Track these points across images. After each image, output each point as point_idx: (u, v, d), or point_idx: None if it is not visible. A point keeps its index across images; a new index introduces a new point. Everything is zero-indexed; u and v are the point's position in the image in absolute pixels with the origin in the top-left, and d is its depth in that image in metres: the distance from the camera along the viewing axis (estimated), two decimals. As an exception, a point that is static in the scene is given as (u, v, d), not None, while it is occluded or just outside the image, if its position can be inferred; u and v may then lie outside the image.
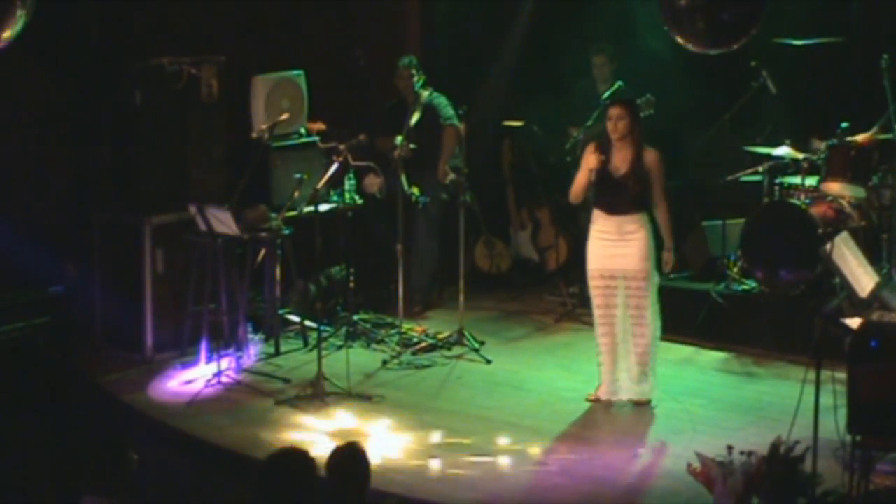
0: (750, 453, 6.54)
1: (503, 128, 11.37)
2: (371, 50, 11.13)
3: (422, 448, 7.82)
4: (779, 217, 9.45)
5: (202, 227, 9.05)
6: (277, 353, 9.55)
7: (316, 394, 8.56)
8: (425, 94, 10.25)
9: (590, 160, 8.32)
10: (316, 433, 8.01)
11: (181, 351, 9.39)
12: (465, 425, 8.15)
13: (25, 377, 8.73)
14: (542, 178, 11.09)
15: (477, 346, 9.55)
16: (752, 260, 9.63)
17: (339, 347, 9.54)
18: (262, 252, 9.59)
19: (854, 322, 7.02)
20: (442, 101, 10.28)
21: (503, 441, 7.88)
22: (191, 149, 9.65)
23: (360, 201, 10.12)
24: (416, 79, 10.24)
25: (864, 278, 7.34)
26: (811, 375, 6.68)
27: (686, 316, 9.73)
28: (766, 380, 8.97)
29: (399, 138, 9.98)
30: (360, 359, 9.30)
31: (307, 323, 9.75)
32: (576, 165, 8.71)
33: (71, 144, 9.85)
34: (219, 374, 8.87)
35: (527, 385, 8.94)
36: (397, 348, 9.51)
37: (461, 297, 9.73)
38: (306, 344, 9.70)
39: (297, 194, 9.28)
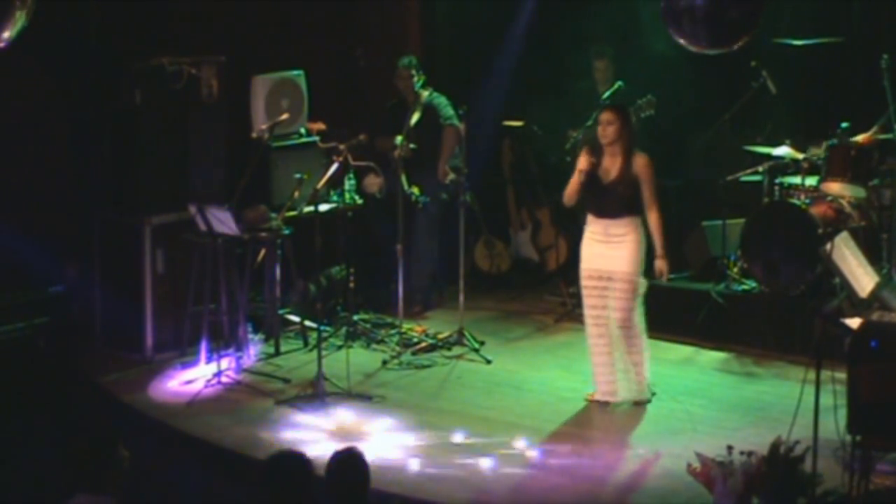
0: (750, 453, 6.55)
1: (503, 128, 11.36)
2: (371, 50, 11.14)
3: (422, 448, 7.81)
4: (779, 217, 9.46)
5: (202, 227, 9.05)
6: (277, 353, 9.54)
7: (316, 394, 8.56)
8: (425, 94, 10.26)
9: (580, 162, 8.36)
10: (316, 433, 8.01)
11: (181, 351, 9.39)
12: (465, 425, 8.15)
13: (25, 377, 8.73)
14: (542, 178, 11.09)
15: (477, 346, 9.55)
16: (752, 260, 9.63)
17: (339, 347, 9.53)
18: (262, 252, 9.59)
19: (854, 322, 7.03)
20: (442, 101, 10.28)
21: (503, 441, 7.88)
22: (191, 149, 9.65)
23: (360, 201, 10.12)
24: (416, 79, 10.24)
25: (864, 278, 7.34)
26: (811, 375, 6.69)
27: (686, 316, 9.74)
28: (766, 380, 8.97)
29: (399, 138, 9.98)
30: (360, 359, 9.30)
31: (307, 323, 9.75)
32: (575, 166, 8.72)
33: (71, 144, 9.84)
34: (219, 374, 8.87)
35: (527, 385, 8.94)
36: (397, 348, 9.51)
37: (461, 297, 9.73)
38: (306, 344, 9.70)
39: (297, 194, 9.28)
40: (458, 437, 7.95)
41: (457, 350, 9.55)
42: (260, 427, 8.17)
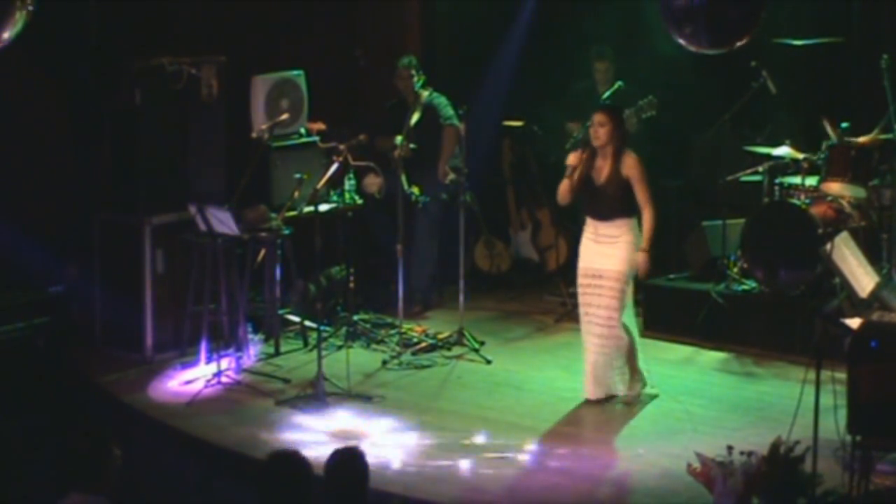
0: (750, 453, 6.54)
1: (503, 128, 11.37)
2: (371, 50, 11.14)
3: (422, 448, 7.81)
4: (779, 217, 9.46)
5: (202, 227, 9.05)
6: (277, 353, 9.55)
7: (316, 394, 8.56)
8: (425, 94, 10.26)
9: (569, 158, 8.41)
10: (316, 433, 8.01)
11: (181, 351, 9.39)
12: (465, 425, 8.15)
13: (25, 377, 8.73)
14: (542, 178, 11.08)
15: (477, 346, 9.55)
16: (752, 260, 9.63)
17: (339, 347, 9.53)
18: (262, 252, 9.59)
19: (854, 322, 7.02)
20: (442, 101, 10.28)
21: (503, 441, 7.88)
22: (191, 149, 9.65)
23: (360, 201, 10.12)
24: (416, 79, 10.24)
25: (864, 278, 7.33)
26: (811, 375, 6.68)
27: (686, 316, 9.74)
28: (766, 380, 8.97)
29: (399, 138, 9.98)
30: (360, 359, 9.30)
31: (307, 323, 9.75)
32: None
33: (71, 144, 9.84)
34: (219, 374, 8.87)
35: (527, 385, 8.94)
36: (397, 348, 9.51)
37: (461, 297, 9.74)
38: (306, 344, 9.70)
39: (297, 194, 9.28)
40: (458, 437, 7.95)
41: (457, 350, 9.55)
42: (260, 427, 8.17)
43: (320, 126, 10.30)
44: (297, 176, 9.27)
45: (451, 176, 10.10)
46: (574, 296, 10.30)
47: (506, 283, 11.23)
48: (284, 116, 9.78)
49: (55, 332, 9.15)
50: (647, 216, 8.30)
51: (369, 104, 11.01)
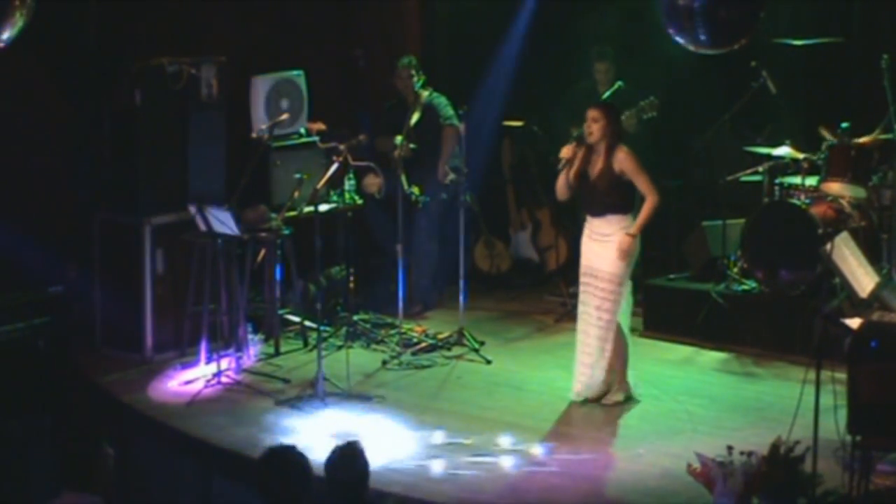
0: (750, 453, 6.54)
1: (503, 128, 11.37)
2: (371, 50, 11.13)
3: (422, 448, 7.81)
4: (779, 217, 9.46)
5: (202, 227, 9.05)
6: (277, 353, 9.54)
7: (316, 394, 8.56)
8: (425, 94, 10.26)
9: (563, 151, 8.42)
10: (316, 433, 8.00)
11: (181, 351, 9.39)
12: (465, 425, 8.14)
13: (25, 377, 8.73)
14: (542, 178, 11.07)
15: (477, 346, 9.55)
16: (752, 260, 9.63)
17: (339, 347, 9.53)
18: (262, 252, 9.59)
19: (854, 322, 7.02)
20: (442, 101, 10.28)
21: (503, 441, 7.88)
22: (191, 149, 9.64)
23: (360, 201, 10.12)
24: (415, 79, 10.24)
25: (864, 278, 7.33)
26: (811, 375, 6.68)
27: (686, 316, 9.74)
28: (766, 380, 8.97)
29: (399, 138, 9.98)
30: (360, 359, 9.30)
31: (307, 323, 9.74)
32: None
33: (71, 145, 9.84)
34: (219, 374, 8.86)
35: (527, 385, 8.94)
36: (397, 348, 9.51)
37: (461, 297, 9.73)
38: (306, 344, 9.70)
39: (297, 194, 9.28)
40: (458, 438, 7.95)
41: (457, 350, 9.56)
42: (260, 427, 8.17)
43: (320, 126, 10.30)
44: (297, 176, 9.27)
45: (451, 176, 10.10)
46: (574, 296, 10.34)
47: (506, 283, 11.23)
48: (284, 116, 9.78)
49: (55, 332, 9.14)
50: (648, 203, 8.25)
51: (369, 104, 11.00)
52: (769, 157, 9.69)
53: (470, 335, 9.63)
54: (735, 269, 9.85)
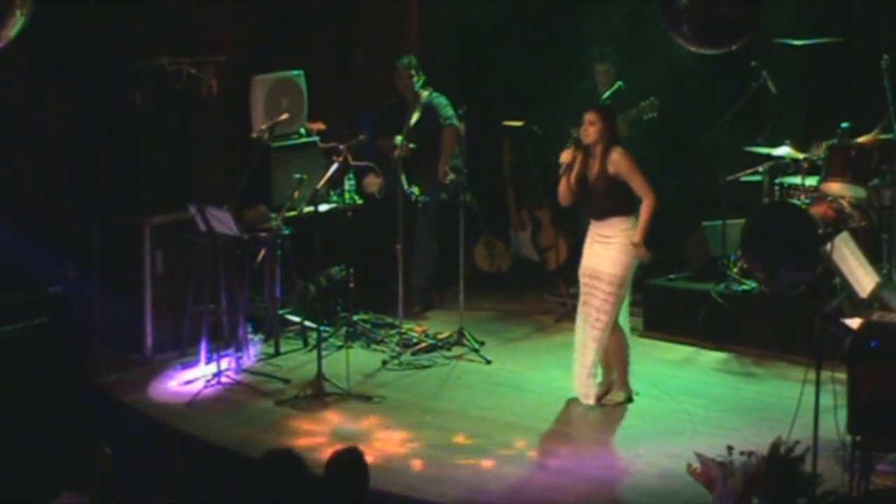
0: (750, 453, 6.54)
1: (503, 128, 11.36)
2: (371, 50, 11.14)
3: (422, 448, 7.81)
4: (779, 217, 9.46)
5: (202, 227, 9.05)
6: (277, 353, 9.55)
7: (316, 394, 8.56)
8: (425, 94, 10.26)
9: (562, 155, 8.42)
10: (316, 433, 8.01)
11: (181, 351, 9.39)
12: (465, 425, 8.15)
13: (25, 377, 8.73)
14: (542, 178, 11.07)
15: (477, 346, 9.55)
16: (752, 260, 9.63)
17: (339, 347, 9.53)
18: (262, 252, 9.59)
19: (854, 322, 7.02)
20: (442, 101, 10.28)
21: (503, 441, 7.88)
22: (191, 149, 9.65)
23: (359, 201, 10.12)
24: (415, 79, 10.24)
25: (864, 278, 7.33)
26: (811, 375, 6.69)
27: (686, 316, 9.74)
28: (766, 380, 8.97)
29: (399, 138, 9.99)
30: (360, 359, 9.30)
31: (307, 323, 9.75)
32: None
33: (71, 144, 9.84)
34: (219, 374, 8.87)
35: (527, 385, 8.94)
36: (397, 348, 9.51)
37: (461, 297, 9.74)
38: (306, 344, 9.70)
39: (297, 194, 9.28)
40: (458, 437, 7.95)
41: (457, 350, 9.56)
42: (260, 427, 8.17)
43: (320, 126, 10.31)
44: (297, 176, 9.28)
45: (451, 176, 10.10)
46: (574, 296, 10.35)
47: (506, 283, 11.23)
48: (284, 116, 9.77)
49: (55, 332, 9.14)
50: (645, 205, 8.23)
51: (369, 104, 11.00)
52: (769, 157, 9.69)
53: (470, 335, 9.63)
54: (735, 269, 9.85)
